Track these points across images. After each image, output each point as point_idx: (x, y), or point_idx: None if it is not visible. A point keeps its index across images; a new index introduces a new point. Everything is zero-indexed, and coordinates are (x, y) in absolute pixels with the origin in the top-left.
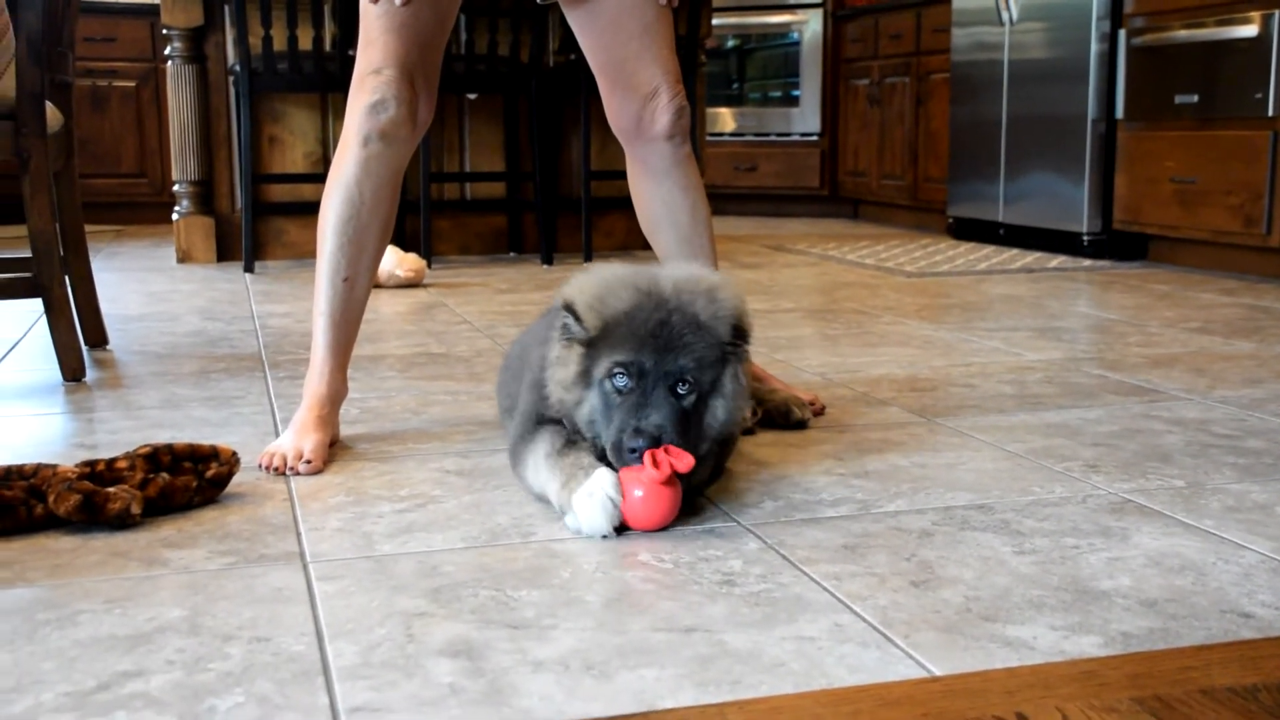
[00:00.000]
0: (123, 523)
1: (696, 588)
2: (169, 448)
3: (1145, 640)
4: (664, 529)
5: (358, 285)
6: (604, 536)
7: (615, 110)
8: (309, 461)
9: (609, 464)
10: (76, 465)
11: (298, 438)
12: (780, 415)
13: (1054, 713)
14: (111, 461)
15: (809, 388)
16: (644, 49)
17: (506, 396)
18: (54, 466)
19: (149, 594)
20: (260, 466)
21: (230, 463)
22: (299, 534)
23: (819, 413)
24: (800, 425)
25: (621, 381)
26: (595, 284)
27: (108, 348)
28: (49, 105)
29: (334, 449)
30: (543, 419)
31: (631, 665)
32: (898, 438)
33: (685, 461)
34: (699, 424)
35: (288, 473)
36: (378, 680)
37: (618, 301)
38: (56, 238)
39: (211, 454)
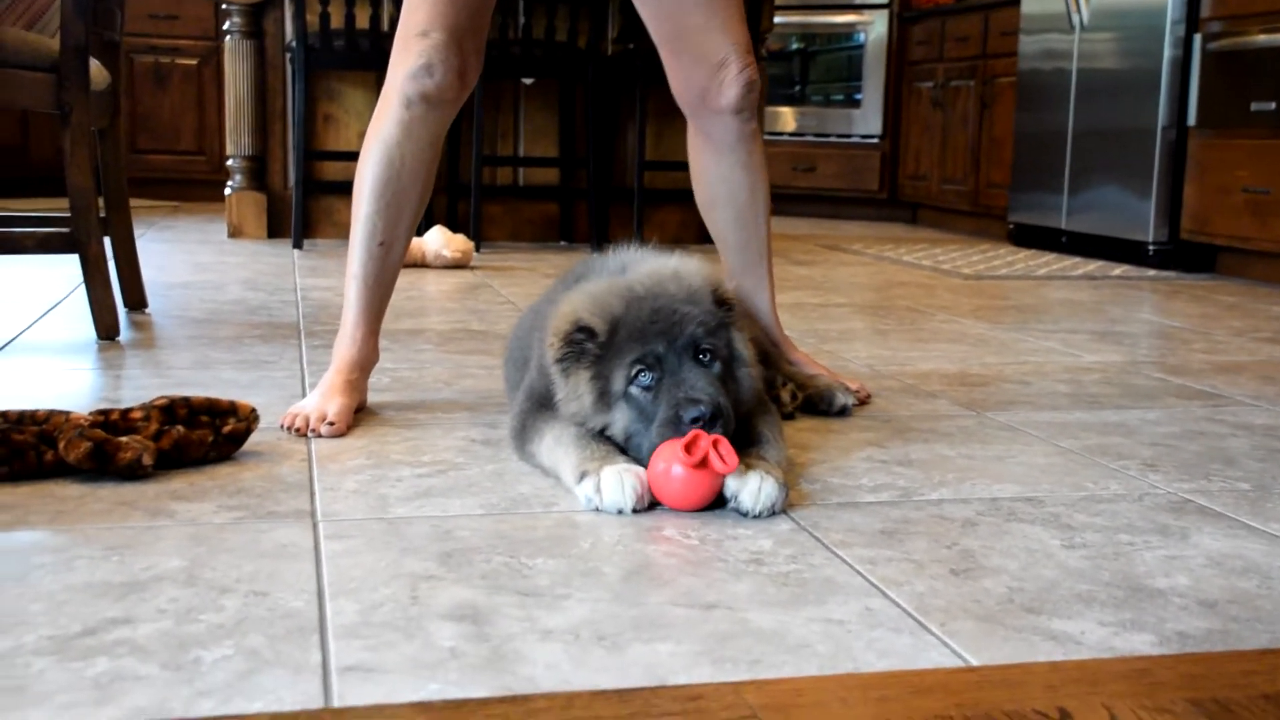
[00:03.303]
0: (133, 473)
1: (721, 565)
2: (186, 401)
3: (1203, 641)
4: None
5: (393, 250)
6: (619, 511)
7: (680, 81)
8: (331, 424)
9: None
10: (90, 413)
11: (323, 400)
12: (823, 400)
13: (1100, 710)
14: (126, 411)
15: (855, 377)
16: (712, 15)
17: (515, 371)
18: (67, 413)
19: (150, 544)
20: (281, 426)
21: (249, 419)
22: (313, 493)
23: (864, 401)
24: (843, 412)
25: (646, 379)
26: (586, 298)
27: (146, 311)
28: (95, 63)
29: (360, 415)
30: (549, 400)
31: (645, 638)
32: (945, 429)
33: (732, 462)
34: (734, 392)
35: (309, 434)
36: (375, 640)
37: (615, 307)
38: (94, 194)
39: (230, 409)
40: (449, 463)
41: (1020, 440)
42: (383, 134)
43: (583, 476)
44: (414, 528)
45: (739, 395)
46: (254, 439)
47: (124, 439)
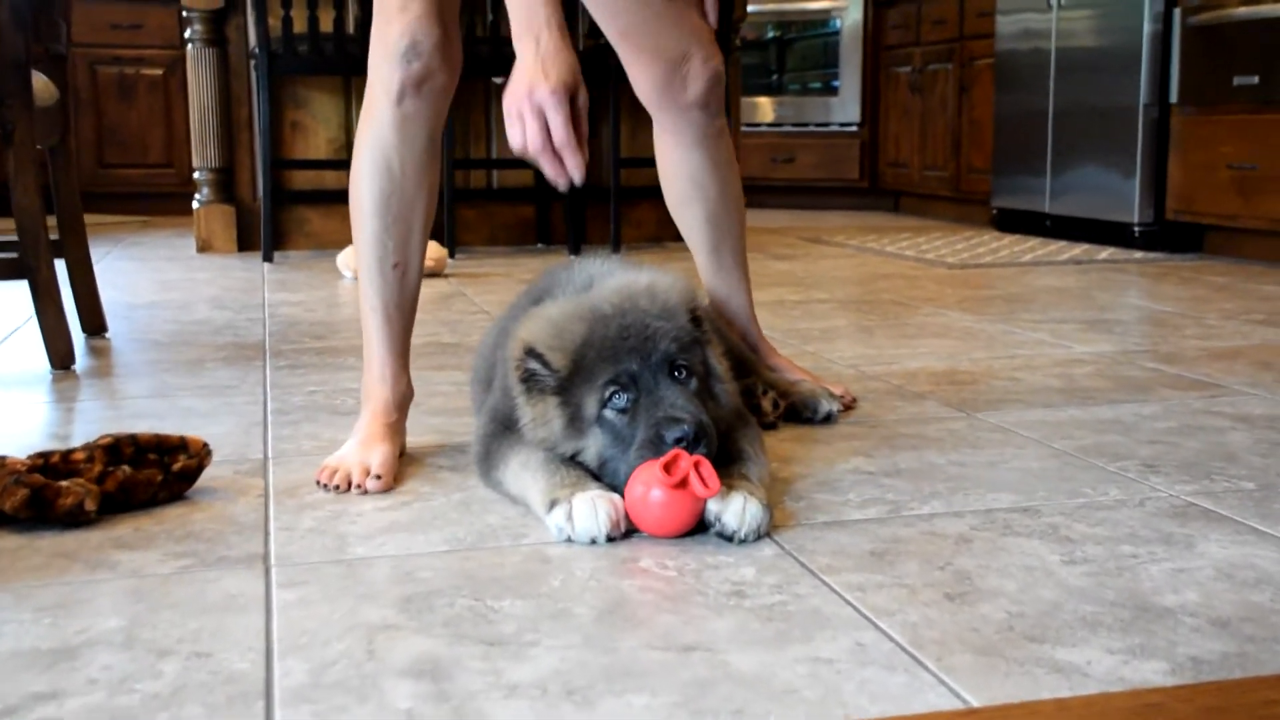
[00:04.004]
0: (75, 520)
1: (701, 599)
2: (132, 438)
3: (1219, 667)
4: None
5: (410, 271)
6: (592, 541)
7: (641, 79)
8: (378, 477)
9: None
10: (29, 456)
11: (364, 451)
12: (806, 408)
13: None
14: (68, 453)
15: (840, 380)
16: (667, 8)
17: (480, 391)
18: (3, 458)
19: (87, 601)
20: (319, 484)
21: (200, 455)
22: (267, 534)
23: (849, 406)
24: (828, 419)
25: (621, 400)
26: (546, 326)
27: (106, 335)
28: (41, 78)
29: (322, 443)
30: (514, 422)
31: (618, 690)
32: (934, 433)
33: (714, 485)
34: (713, 410)
35: (354, 491)
36: (325, 705)
37: (576, 332)
38: (42, 216)
39: (180, 445)
40: (414, 492)
41: (1013, 443)
42: (375, 138)
43: (553, 505)
44: (373, 570)
45: (718, 413)
46: (208, 474)
47: (64, 483)
